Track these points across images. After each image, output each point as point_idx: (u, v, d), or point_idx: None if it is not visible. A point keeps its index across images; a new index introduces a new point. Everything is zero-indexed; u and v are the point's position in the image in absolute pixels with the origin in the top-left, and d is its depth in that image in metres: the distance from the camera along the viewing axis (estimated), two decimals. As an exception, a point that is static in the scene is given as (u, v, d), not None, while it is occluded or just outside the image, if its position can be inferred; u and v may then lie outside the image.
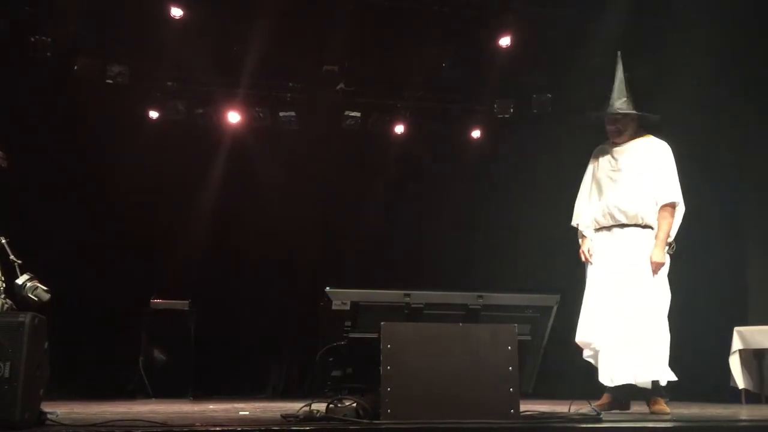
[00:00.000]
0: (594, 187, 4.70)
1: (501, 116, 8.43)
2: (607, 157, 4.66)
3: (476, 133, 8.81)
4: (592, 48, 7.41)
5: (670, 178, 4.52)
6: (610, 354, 4.41)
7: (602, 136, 4.84)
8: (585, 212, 4.70)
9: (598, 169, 4.69)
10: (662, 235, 4.42)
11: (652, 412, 4.31)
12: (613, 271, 4.48)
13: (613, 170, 4.59)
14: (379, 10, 7.23)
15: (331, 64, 7.90)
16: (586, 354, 4.60)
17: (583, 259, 4.62)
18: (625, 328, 4.37)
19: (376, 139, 8.62)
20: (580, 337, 4.58)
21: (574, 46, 7.45)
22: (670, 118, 5.03)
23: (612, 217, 4.52)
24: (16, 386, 2.85)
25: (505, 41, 7.56)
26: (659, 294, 4.43)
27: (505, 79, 8.05)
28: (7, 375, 2.86)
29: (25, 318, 2.96)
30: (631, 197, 4.49)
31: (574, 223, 4.76)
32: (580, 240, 4.72)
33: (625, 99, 4.57)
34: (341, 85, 8.17)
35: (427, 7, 7.24)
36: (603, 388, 4.56)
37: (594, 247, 4.59)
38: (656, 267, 4.41)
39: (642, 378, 4.35)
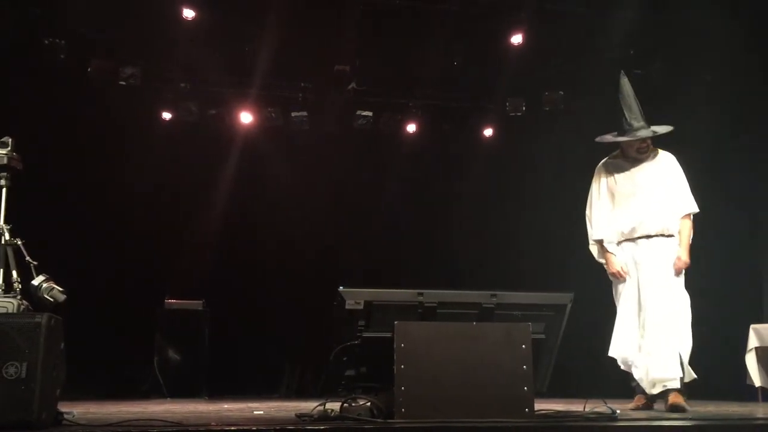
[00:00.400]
0: (613, 201, 4.76)
1: (513, 114, 8.41)
2: (625, 173, 4.75)
3: (488, 132, 8.79)
4: (604, 44, 7.39)
5: (686, 189, 4.70)
6: (646, 362, 4.47)
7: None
8: (608, 226, 4.73)
9: (616, 183, 4.76)
10: (686, 240, 4.61)
11: (671, 405, 4.31)
12: (643, 281, 4.58)
13: (634, 184, 4.70)
14: (390, 9, 7.24)
15: (343, 64, 7.91)
16: (624, 367, 4.64)
17: (618, 276, 4.65)
18: (656, 333, 4.45)
19: (388, 138, 8.61)
20: (617, 352, 4.61)
21: (585, 43, 7.42)
22: (684, 117, 5.03)
23: (639, 228, 4.62)
24: (33, 386, 2.87)
25: (516, 39, 7.55)
26: (683, 297, 4.56)
27: (516, 77, 8.03)
28: (24, 375, 2.88)
29: (42, 319, 2.98)
30: (656, 209, 4.62)
31: (597, 237, 4.77)
32: (603, 255, 4.74)
33: (643, 116, 4.66)
34: (353, 85, 8.17)
35: (438, 6, 7.23)
36: (635, 390, 4.64)
37: (622, 261, 4.65)
38: (684, 266, 4.56)
39: (671, 376, 4.39)
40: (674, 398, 4.35)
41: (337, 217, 8.69)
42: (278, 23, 7.16)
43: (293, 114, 8.26)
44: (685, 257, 4.56)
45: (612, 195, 4.76)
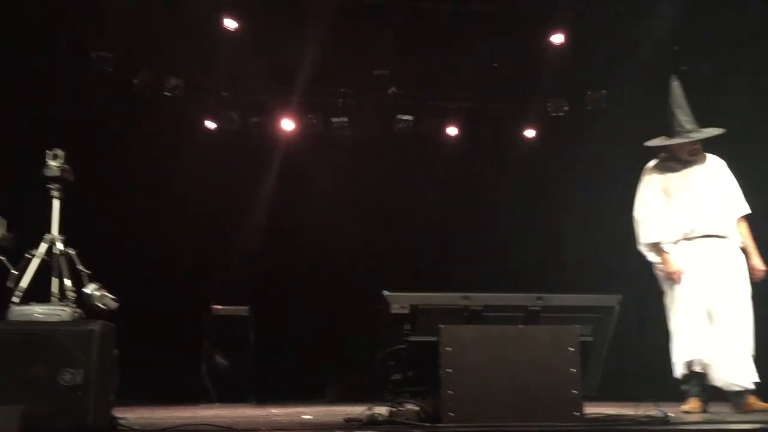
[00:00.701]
0: (666, 202, 4.72)
1: (554, 115, 8.33)
2: (677, 174, 4.75)
3: (530, 133, 8.72)
4: (647, 41, 7.28)
5: (739, 191, 4.73)
6: (723, 361, 4.44)
7: (653, 134, 4.82)
8: (663, 227, 4.69)
9: (669, 184, 4.74)
10: (753, 244, 4.64)
11: (756, 410, 4.30)
12: (705, 281, 4.55)
13: (688, 186, 4.70)
14: (428, 12, 7.23)
15: (382, 68, 7.94)
16: (696, 368, 4.55)
17: (675, 278, 4.60)
18: (731, 335, 4.44)
19: (428, 141, 8.61)
20: (689, 355, 4.53)
21: (628, 40, 7.32)
22: (732, 115, 4.96)
23: (697, 229, 4.62)
24: (89, 392, 2.95)
25: (557, 38, 7.48)
26: (749, 299, 4.56)
27: (558, 77, 7.95)
28: (79, 382, 2.95)
29: (96, 326, 3.06)
30: (710, 210, 4.63)
31: (653, 239, 4.70)
32: (659, 255, 4.67)
33: (693, 119, 4.66)
34: (392, 89, 8.19)
35: (477, 7, 7.20)
36: (687, 392, 4.57)
37: (679, 261, 4.62)
38: (763, 273, 4.59)
39: (749, 378, 4.40)
40: (755, 403, 4.34)
41: (380, 221, 8.70)
42: (317, 30, 7.21)
43: (334, 120, 8.31)
44: (762, 265, 4.60)
45: (665, 196, 4.73)
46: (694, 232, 4.61)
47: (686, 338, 4.53)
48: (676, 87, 4.73)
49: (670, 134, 4.69)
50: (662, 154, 4.84)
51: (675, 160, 4.77)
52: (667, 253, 4.63)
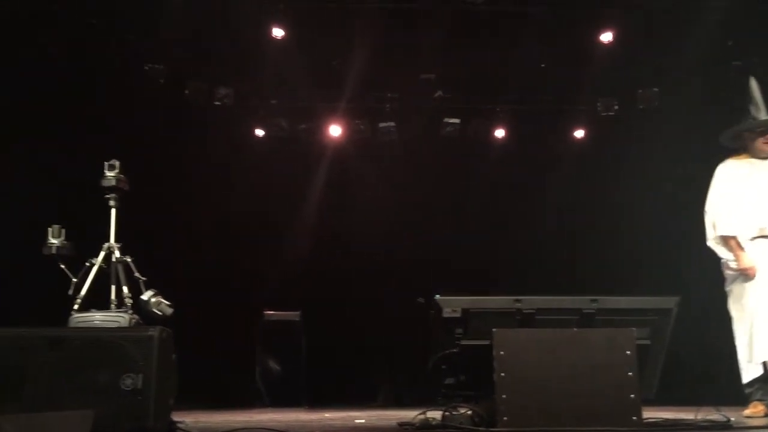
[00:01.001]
0: (741, 198, 4.65)
1: (605, 114, 8.20)
2: (753, 171, 4.71)
3: (579, 133, 8.60)
4: (698, 38, 7.12)
5: None
6: None
7: (706, 131, 4.74)
8: (738, 223, 4.61)
9: (745, 180, 4.69)
10: None
11: None
12: None
13: (765, 184, 4.65)
14: (474, 14, 7.19)
15: (428, 72, 7.93)
16: None
17: (750, 274, 4.51)
18: None
19: (476, 144, 8.57)
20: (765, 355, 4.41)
21: (679, 37, 7.17)
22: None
23: None
24: (149, 397, 3.02)
25: (606, 37, 7.36)
26: None
27: (607, 76, 7.83)
28: (139, 386, 3.02)
29: (155, 332, 3.12)
30: None
31: (730, 233, 4.62)
32: (733, 251, 4.59)
33: None
34: (439, 93, 8.18)
35: (524, 8, 7.15)
36: (751, 396, 4.47)
37: (753, 259, 4.54)
38: None
39: None
40: None
41: (429, 225, 8.68)
42: (363, 35, 7.25)
43: (381, 125, 8.34)
44: None
45: (740, 192, 4.66)
46: None
47: (765, 338, 4.39)
48: (753, 85, 4.72)
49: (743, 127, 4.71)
50: (739, 154, 4.79)
51: (751, 157, 4.73)
52: (742, 249, 4.53)
